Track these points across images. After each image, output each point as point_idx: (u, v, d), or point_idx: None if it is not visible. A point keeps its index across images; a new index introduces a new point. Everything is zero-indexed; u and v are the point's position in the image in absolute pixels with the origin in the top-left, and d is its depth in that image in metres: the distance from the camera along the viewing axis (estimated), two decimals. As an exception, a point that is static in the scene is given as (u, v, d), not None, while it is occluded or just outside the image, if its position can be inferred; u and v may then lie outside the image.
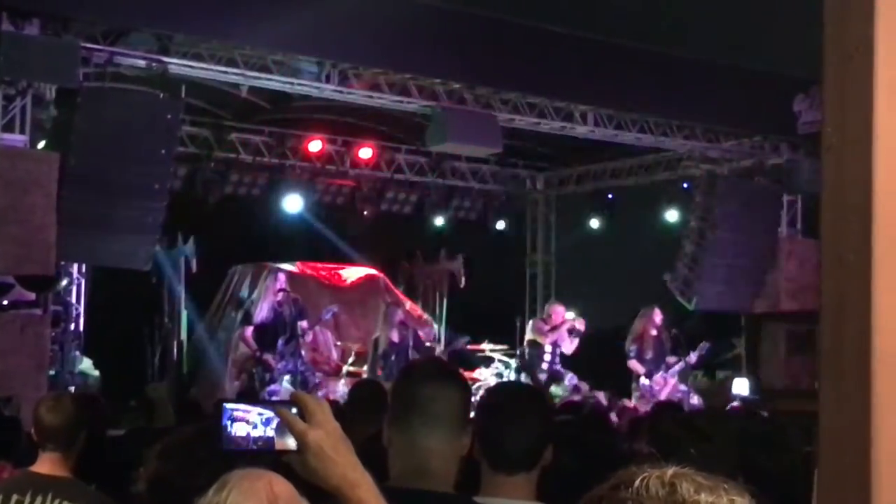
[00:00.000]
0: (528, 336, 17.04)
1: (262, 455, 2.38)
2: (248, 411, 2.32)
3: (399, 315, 16.19)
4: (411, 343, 16.12)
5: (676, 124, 16.92)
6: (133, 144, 12.83)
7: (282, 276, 16.56)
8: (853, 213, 2.12)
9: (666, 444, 3.76)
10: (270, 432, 2.32)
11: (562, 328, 16.66)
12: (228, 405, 2.32)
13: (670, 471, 1.44)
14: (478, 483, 3.65)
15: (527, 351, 16.96)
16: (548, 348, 16.61)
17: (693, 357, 16.30)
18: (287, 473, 2.52)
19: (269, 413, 2.32)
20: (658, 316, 16.56)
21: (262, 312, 16.03)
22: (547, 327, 16.74)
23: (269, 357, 15.60)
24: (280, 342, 15.64)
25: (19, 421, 7.34)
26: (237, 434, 2.31)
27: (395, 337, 15.95)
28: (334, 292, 18.38)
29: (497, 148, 16.20)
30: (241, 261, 18.45)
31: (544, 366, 16.57)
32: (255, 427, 2.32)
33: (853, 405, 2.14)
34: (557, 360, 16.65)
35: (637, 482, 1.41)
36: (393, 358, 15.68)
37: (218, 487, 2.63)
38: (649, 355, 16.43)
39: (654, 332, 16.52)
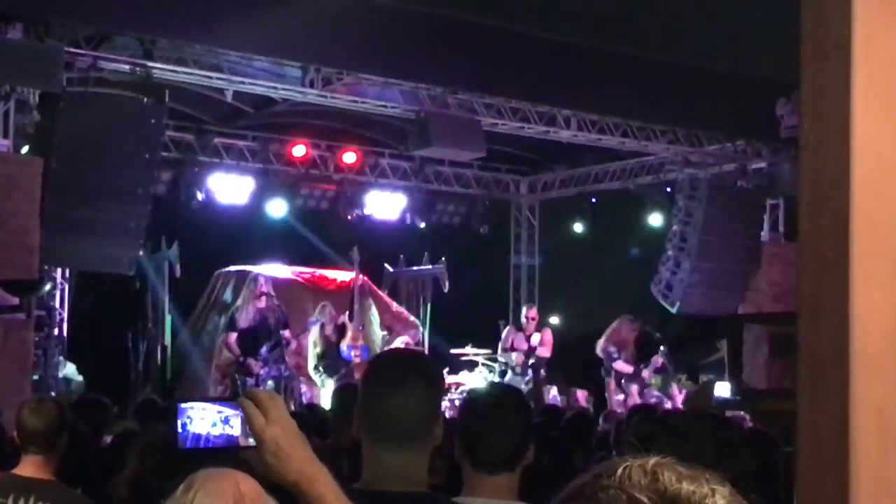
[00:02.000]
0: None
1: (224, 452, 2.38)
2: (206, 409, 2.32)
3: (330, 312, 16.27)
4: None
5: (659, 128, 16.95)
6: (116, 149, 12.83)
7: (264, 280, 16.54)
8: (830, 210, 2.13)
9: (643, 443, 3.77)
10: (230, 430, 2.32)
11: (529, 337, 16.65)
12: (184, 405, 2.33)
13: (652, 460, 1.45)
14: (460, 483, 3.66)
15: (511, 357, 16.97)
16: (520, 359, 16.61)
17: (648, 371, 16.34)
18: (251, 471, 2.51)
19: (228, 411, 2.32)
20: (627, 328, 16.61)
21: (246, 318, 15.99)
22: (509, 343, 16.75)
23: (251, 362, 15.58)
24: (264, 350, 15.62)
25: (1, 425, 7.32)
26: (196, 432, 2.31)
27: (329, 333, 16.08)
28: (318, 296, 18.36)
29: (480, 152, 16.24)
30: (225, 265, 18.43)
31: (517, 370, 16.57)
32: (213, 425, 2.32)
33: (831, 403, 2.15)
34: (529, 371, 16.55)
35: (619, 471, 1.42)
36: (328, 357, 15.80)
37: (184, 488, 2.60)
38: (627, 359, 16.50)
39: (628, 338, 16.59)
